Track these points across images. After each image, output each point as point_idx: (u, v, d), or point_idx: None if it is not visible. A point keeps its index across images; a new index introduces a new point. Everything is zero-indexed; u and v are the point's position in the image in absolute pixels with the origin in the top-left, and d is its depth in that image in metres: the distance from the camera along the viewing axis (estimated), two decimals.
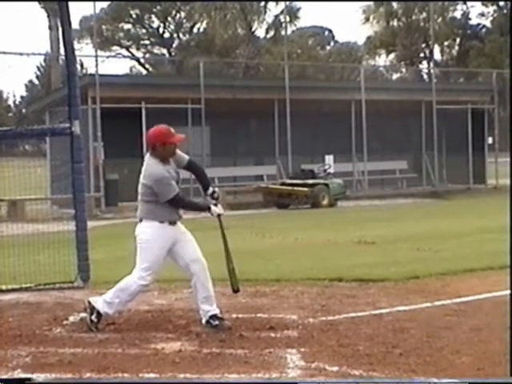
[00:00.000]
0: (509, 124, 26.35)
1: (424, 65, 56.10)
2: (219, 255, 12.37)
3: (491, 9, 55.22)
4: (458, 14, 56.37)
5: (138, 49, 56.49)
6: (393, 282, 9.49)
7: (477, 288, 8.95)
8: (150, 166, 7.13)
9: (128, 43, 55.52)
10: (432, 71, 37.81)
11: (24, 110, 50.06)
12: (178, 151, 7.33)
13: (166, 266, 7.31)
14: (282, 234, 15.60)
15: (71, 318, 7.69)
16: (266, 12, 52.19)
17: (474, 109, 32.14)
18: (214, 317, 7.13)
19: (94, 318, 7.13)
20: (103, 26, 51.01)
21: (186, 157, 7.44)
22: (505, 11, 51.76)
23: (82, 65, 45.14)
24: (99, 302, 7.14)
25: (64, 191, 14.65)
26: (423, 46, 54.69)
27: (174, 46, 56.27)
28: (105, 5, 52.18)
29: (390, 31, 54.38)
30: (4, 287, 9.33)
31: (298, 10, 52.56)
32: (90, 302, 7.17)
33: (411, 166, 32.37)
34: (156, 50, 57.57)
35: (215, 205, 7.43)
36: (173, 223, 7.18)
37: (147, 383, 5.82)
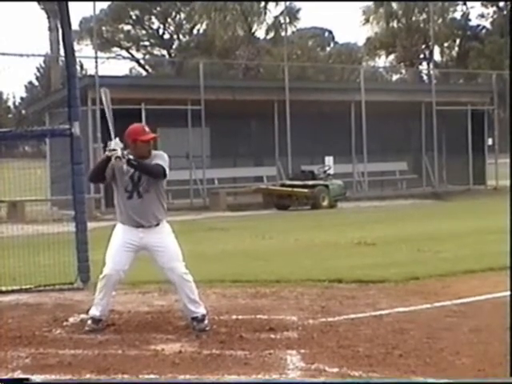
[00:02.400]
0: (509, 125, 26.35)
1: (424, 66, 56.15)
2: (218, 256, 12.41)
3: (491, 10, 55.28)
4: (457, 15, 56.42)
5: (137, 50, 56.55)
6: (393, 283, 9.49)
7: (477, 289, 8.95)
8: None
9: (128, 44, 55.56)
10: (432, 72, 37.82)
11: (24, 111, 50.01)
12: (158, 155, 7.20)
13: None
14: (282, 235, 15.60)
15: (71, 320, 7.69)
16: (265, 13, 52.26)
17: (473, 110, 32.14)
18: (194, 319, 7.15)
19: (90, 322, 7.21)
20: (103, 27, 51.04)
21: (157, 162, 7.15)
22: (505, 12, 51.78)
23: (81, 66, 45.06)
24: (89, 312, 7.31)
25: (64, 192, 14.63)
26: (423, 47, 54.68)
27: (174, 47, 56.30)
28: (105, 6, 52.32)
29: (389, 32, 54.36)
30: (4, 288, 9.33)
31: (298, 10, 52.70)
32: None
33: (411, 167, 32.37)
34: (156, 51, 57.62)
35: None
36: (135, 227, 7.15)
37: None
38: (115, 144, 6.99)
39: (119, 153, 6.93)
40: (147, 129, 7.29)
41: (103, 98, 7.50)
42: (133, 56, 56.40)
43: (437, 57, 54.70)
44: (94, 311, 7.21)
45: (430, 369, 5.83)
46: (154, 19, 55.32)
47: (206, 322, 7.12)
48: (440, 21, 52.84)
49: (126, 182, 7.12)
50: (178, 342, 6.72)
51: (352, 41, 73.21)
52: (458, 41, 57.11)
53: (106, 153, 7.05)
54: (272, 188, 25.90)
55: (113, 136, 7.11)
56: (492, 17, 55.39)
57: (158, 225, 7.19)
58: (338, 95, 29.53)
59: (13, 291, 9.29)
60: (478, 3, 54.89)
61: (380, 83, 48.64)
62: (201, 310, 7.16)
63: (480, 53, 52.03)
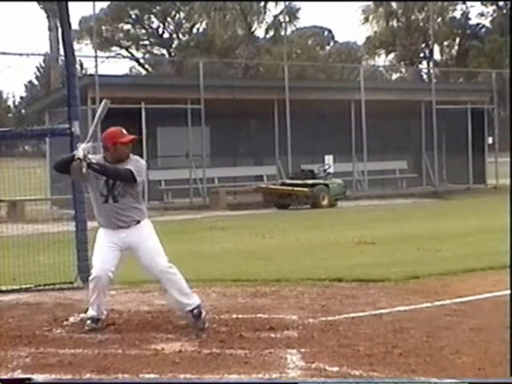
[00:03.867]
0: (509, 124, 26.36)
1: (424, 65, 56.17)
2: (218, 255, 12.41)
3: (491, 9, 55.30)
4: (457, 14, 56.43)
5: (137, 49, 56.53)
6: (393, 282, 9.49)
7: (477, 288, 8.95)
8: None
9: (127, 44, 55.55)
10: (432, 71, 37.79)
11: (24, 111, 50.03)
12: (133, 160, 7.19)
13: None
14: (282, 235, 15.60)
15: (71, 319, 7.68)
16: (265, 12, 52.26)
17: (473, 109, 32.11)
18: (190, 312, 7.14)
19: (89, 322, 7.21)
20: (103, 27, 51.02)
21: (128, 167, 7.10)
22: (504, 11, 51.78)
23: (81, 65, 45.09)
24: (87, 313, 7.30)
25: (64, 192, 14.65)
26: (423, 45, 54.69)
27: (174, 46, 56.29)
28: (104, 5, 52.28)
29: (389, 31, 54.35)
30: (4, 288, 9.33)
31: (298, 10, 52.67)
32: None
33: (411, 166, 32.36)
34: (155, 51, 57.61)
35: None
36: (115, 229, 7.15)
37: (147, 383, 5.82)
38: (84, 148, 6.98)
39: (81, 154, 6.91)
40: (125, 131, 7.30)
41: (99, 109, 7.47)
42: (132, 55, 56.40)
43: (437, 56, 54.77)
44: (91, 312, 7.22)
45: (430, 368, 5.83)
46: (153, 18, 55.32)
47: (202, 316, 7.11)
48: (440, 20, 52.85)
49: (100, 186, 7.12)
50: (178, 341, 6.72)
51: (352, 40, 73.16)
52: (457, 40, 57.11)
53: (74, 152, 7.07)
54: (272, 187, 25.88)
55: (88, 140, 7.12)
56: (492, 15, 55.43)
57: (138, 223, 7.20)
58: (337, 94, 29.50)
59: (13, 291, 9.29)
60: (478, 2, 54.97)
61: (380, 82, 48.57)
62: (194, 301, 7.14)
63: (480, 52, 52.04)
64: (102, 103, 7.48)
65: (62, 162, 7.26)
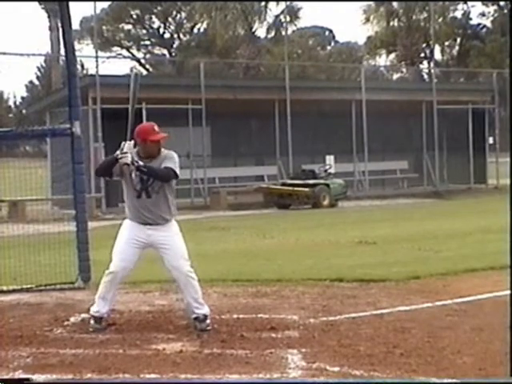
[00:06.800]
0: (509, 124, 26.35)
1: (424, 65, 56.10)
2: (219, 255, 12.41)
3: (492, 9, 55.19)
4: (458, 14, 56.33)
5: (138, 49, 56.53)
6: (394, 282, 9.49)
7: (478, 288, 8.96)
8: None
9: (128, 44, 55.55)
10: (432, 71, 37.81)
11: (24, 111, 50.02)
12: (168, 156, 7.18)
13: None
14: (283, 235, 15.60)
15: (72, 319, 7.69)
16: (266, 12, 52.21)
17: (474, 109, 32.13)
18: (195, 319, 7.15)
19: (93, 322, 7.21)
20: (104, 27, 50.98)
21: (168, 165, 7.12)
22: (505, 11, 51.72)
23: (82, 65, 45.10)
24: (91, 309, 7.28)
25: (65, 192, 14.62)
26: (424, 45, 54.62)
27: (175, 46, 56.30)
28: (105, 5, 52.25)
29: (390, 31, 54.30)
30: (5, 288, 9.34)
31: (299, 10, 52.59)
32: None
33: (412, 166, 32.38)
34: (156, 51, 57.61)
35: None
36: (142, 224, 7.14)
37: (148, 383, 5.82)
38: (128, 147, 6.99)
39: (128, 160, 6.93)
40: (157, 128, 7.24)
41: (131, 84, 7.37)
42: (133, 55, 56.39)
43: (437, 56, 54.73)
44: (97, 307, 7.19)
45: (431, 368, 5.83)
46: (154, 18, 55.31)
47: (207, 321, 7.12)
48: (441, 20, 52.78)
49: (135, 181, 7.10)
50: (179, 341, 6.72)
51: (352, 40, 73.00)
52: (458, 40, 57.06)
53: (117, 152, 7.03)
54: (273, 187, 25.90)
55: (129, 135, 7.09)
56: (493, 15, 55.33)
57: (166, 221, 7.20)
58: (338, 94, 29.50)
59: (14, 291, 9.29)
60: (479, 2, 54.89)
61: (381, 82, 48.51)
62: (203, 311, 7.15)
63: (481, 51, 52.01)
64: (132, 75, 7.38)
65: (106, 166, 7.24)
